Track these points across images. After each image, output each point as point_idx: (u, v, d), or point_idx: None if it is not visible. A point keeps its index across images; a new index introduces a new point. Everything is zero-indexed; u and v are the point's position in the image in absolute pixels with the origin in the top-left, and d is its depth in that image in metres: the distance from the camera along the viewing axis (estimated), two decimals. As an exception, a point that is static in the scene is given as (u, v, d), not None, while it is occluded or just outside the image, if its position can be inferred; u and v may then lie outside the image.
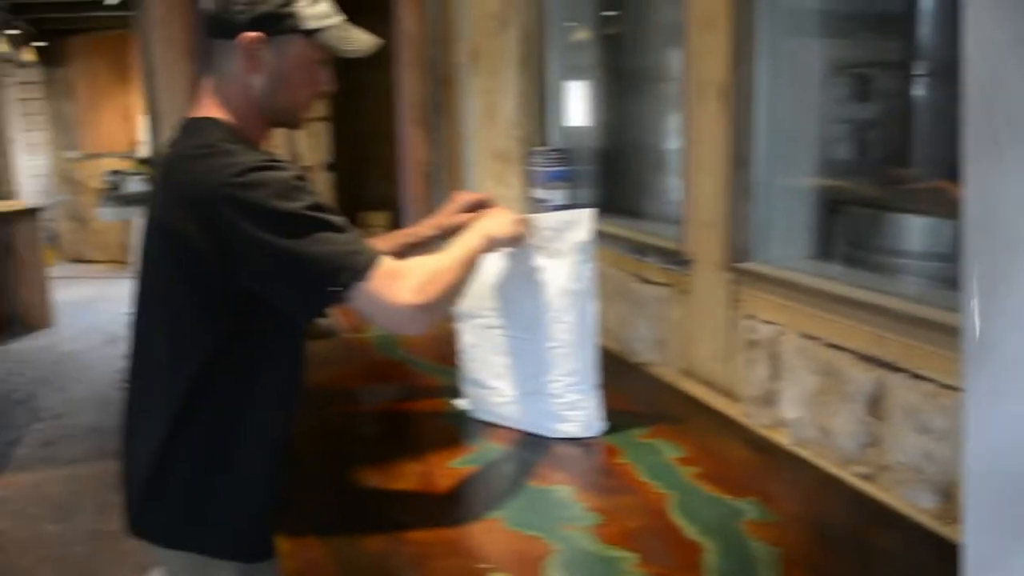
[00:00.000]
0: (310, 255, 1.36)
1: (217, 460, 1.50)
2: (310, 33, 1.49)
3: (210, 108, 1.51)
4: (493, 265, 1.82)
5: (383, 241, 1.83)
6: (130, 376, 1.60)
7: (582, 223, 1.76)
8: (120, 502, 1.57)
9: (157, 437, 1.48)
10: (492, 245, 1.65)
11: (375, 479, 1.64)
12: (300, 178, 1.42)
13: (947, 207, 1.66)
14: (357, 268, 1.37)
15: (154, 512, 1.53)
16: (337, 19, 1.53)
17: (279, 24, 1.46)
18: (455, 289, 1.50)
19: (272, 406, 1.54)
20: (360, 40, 1.56)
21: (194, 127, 1.51)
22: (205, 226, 1.37)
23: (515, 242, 1.73)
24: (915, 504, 1.46)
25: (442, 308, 1.48)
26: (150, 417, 1.51)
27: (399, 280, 1.39)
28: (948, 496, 1.41)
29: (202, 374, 1.46)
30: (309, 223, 1.37)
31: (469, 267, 1.55)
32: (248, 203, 1.35)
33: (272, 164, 1.41)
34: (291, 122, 1.59)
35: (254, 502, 1.52)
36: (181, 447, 1.48)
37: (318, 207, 1.39)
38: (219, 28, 1.48)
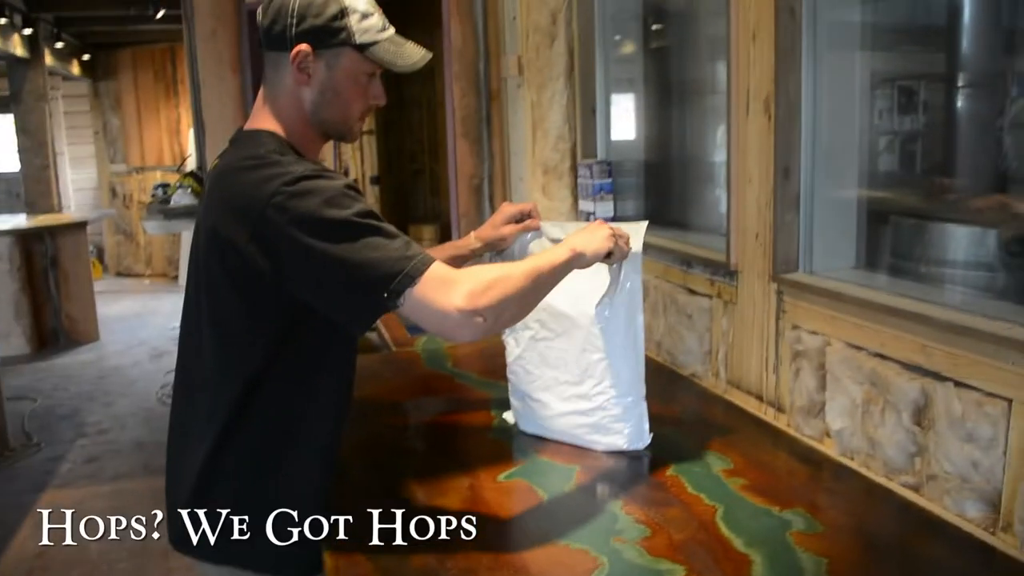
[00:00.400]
0: (361, 260, 1.35)
1: (264, 473, 1.51)
2: (361, 47, 1.50)
3: (263, 120, 1.55)
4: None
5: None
6: (177, 388, 1.62)
7: (635, 236, 1.73)
8: (165, 516, 1.59)
9: (204, 449, 1.50)
10: (579, 260, 1.58)
11: (422, 493, 1.66)
12: (350, 187, 1.43)
13: (1004, 220, 1.66)
14: (409, 273, 1.35)
15: (199, 526, 1.52)
16: (388, 32, 1.54)
17: (330, 37, 1.48)
18: (516, 300, 1.44)
19: (320, 417, 1.55)
20: (411, 54, 1.56)
21: (245, 139, 1.54)
22: (256, 236, 1.38)
23: (608, 258, 1.65)
24: (962, 514, 1.46)
25: (499, 318, 1.41)
26: (197, 429, 1.53)
27: (451, 286, 1.37)
28: (995, 505, 1.40)
29: (250, 385, 1.48)
30: (360, 229, 1.37)
31: (540, 280, 1.49)
32: (298, 211, 1.36)
33: (322, 173, 1.43)
34: (343, 135, 1.60)
35: (301, 516, 1.52)
36: (228, 459, 1.50)
37: (368, 214, 1.39)
38: (272, 41, 1.51)
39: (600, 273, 1.74)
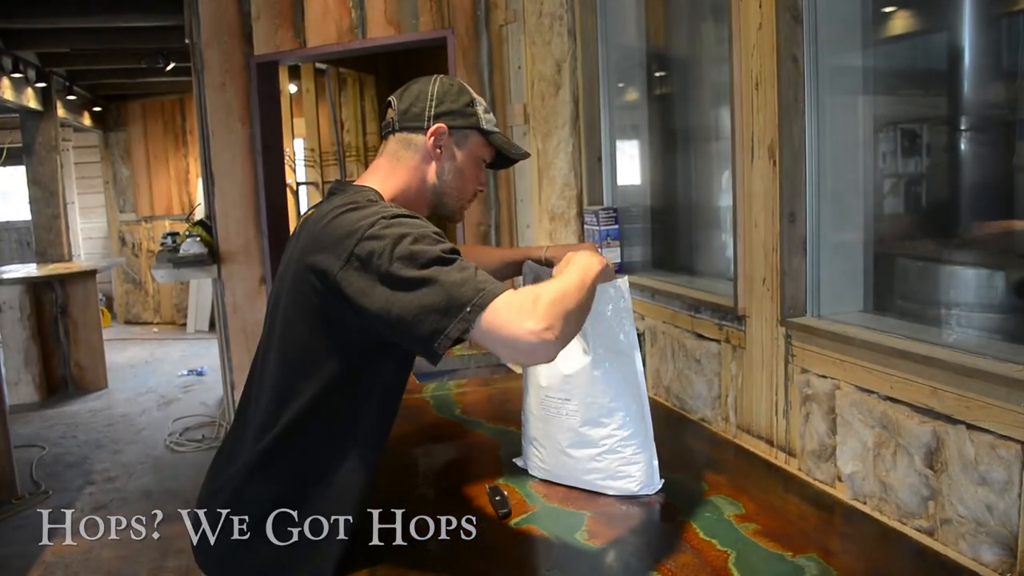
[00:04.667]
0: (441, 286, 1.39)
1: (296, 501, 1.54)
2: (486, 132, 1.76)
3: (370, 182, 1.70)
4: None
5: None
6: (235, 415, 1.70)
7: (619, 290, 1.78)
8: (190, 542, 1.63)
9: (245, 467, 1.56)
10: (607, 270, 1.65)
11: (430, 539, 1.65)
12: (438, 233, 1.49)
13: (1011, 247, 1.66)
14: (483, 300, 1.37)
15: (223, 549, 1.57)
16: (499, 130, 1.80)
17: (463, 120, 1.73)
18: (577, 313, 1.46)
19: (357, 449, 1.58)
20: (519, 148, 1.84)
21: (348, 189, 1.66)
22: (350, 260, 1.44)
23: (606, 277, 1.68)
24: (978, 558, 1.45)
25: (565, 333, 1.41)
26: (239, 452, 1.59)
27: (524, 312, 1.37)
28: (1011, 549, 1.39)
29: (299, 418, 1.53)
30: (440, 262, 1.41)
31: (590, 290, 1.53)
32: (392, 238, 1.42)
33: (412, 215, 1.52)
34: (453, 212, 1.80)
35: (328, 550, 1.53)
36: (264, 483, 1.55)
37: (453, 251, 1.46)
38: (409, 120, 1.73)
39: (597, 323, 1.78)
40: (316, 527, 1.53)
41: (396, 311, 1.41)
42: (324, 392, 1.53)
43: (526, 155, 1.85)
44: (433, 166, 1.73)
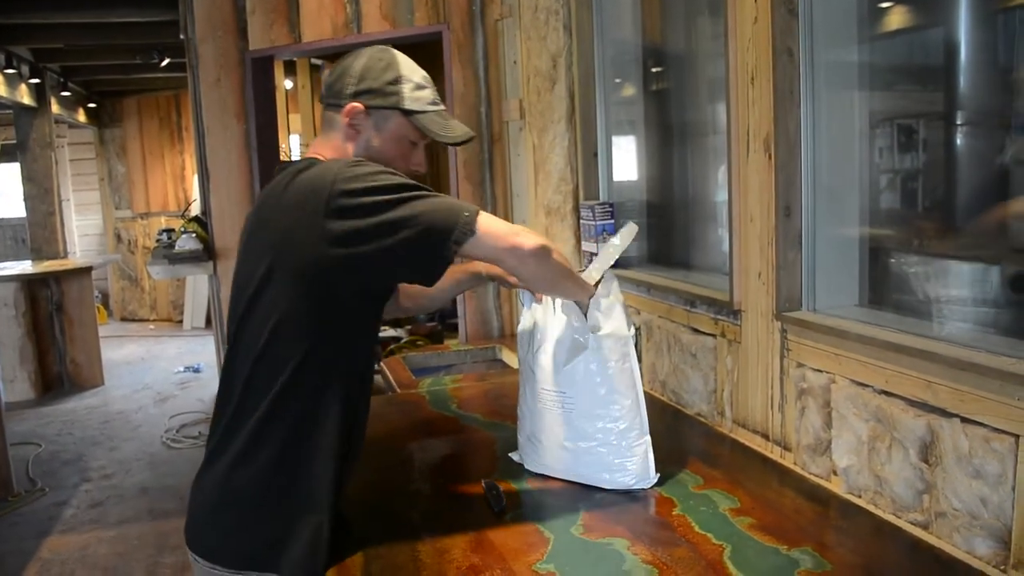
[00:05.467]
0: (431, 206, 1.48)
1: (282, 480, 1.55)
2: (408, 113, 1.67)
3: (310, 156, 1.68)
4: (541, 326, 1.87)
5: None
6: (216, 401, 1.68)
7: (610, 286, 1.81)
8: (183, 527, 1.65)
9: (233, 452, 1.56)
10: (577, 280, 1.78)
11: (427, 534, 1.65)
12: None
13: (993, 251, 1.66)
14: (471, 210, 1.51)
15: (212, 527, 1.59)
16: (438, 108, 1.71)
17: (382, 99, 1.65)
18: (560, 256, 1.67)
19: (338, 422, 1.58)
20: (455, 128, 1.73)
21: (293, 162, 1.67)
22: (329, 211, 1.46)
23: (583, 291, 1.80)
24: (972, 551, 1.45)
25: (551, 259, 1.63)
26: (229, 436, 1.58)
27: (512, 225, 1.59)
28: (1005, 542, 1.40)
29: (278, 396, 1.53)
30: (419, 187, 1.51)
31: (569, 276, 1.73)
32: (366, 175, 1.48)
33: (364, 162, 1.56)
34: None
35: (313, 528, 1.54)
36: (250, 465, 1.55)
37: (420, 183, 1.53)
38: (331, 96, 1.68)
39: (594, 319, 1.79)
40: (300, 512, 1.54)
41: (395, 232, 1.46)
42: (301, 369, 1.53)
43: (462, 139, 1.73)
44: (351, 146, 1.67)
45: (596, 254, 2.83)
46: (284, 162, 1.68)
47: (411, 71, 1.69)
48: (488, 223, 1.52)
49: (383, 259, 1.49)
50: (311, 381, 1.55)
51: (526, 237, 1.57)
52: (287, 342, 1.53)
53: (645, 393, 1.85)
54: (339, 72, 1.67)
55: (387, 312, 1.84)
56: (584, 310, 1.78)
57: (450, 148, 3.98)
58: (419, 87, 1.68)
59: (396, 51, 1.70)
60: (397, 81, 1.66)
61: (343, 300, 1.55)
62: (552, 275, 1.68)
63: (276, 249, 1.53)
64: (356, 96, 1.65)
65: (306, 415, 1.55)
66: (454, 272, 1.99)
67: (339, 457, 1.59)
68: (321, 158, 1.64)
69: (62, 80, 9.31)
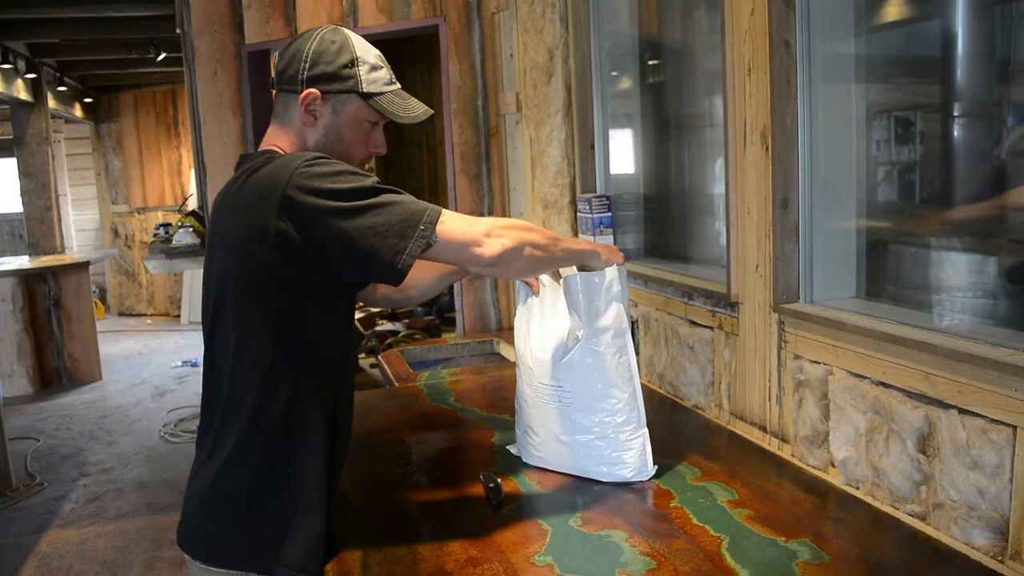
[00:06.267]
0: (386, 218, 1.44)
1: (273, 479, 1.54)
2: (366, 95, 1.61)
3: (266, 147, 1.64)
4: (537, 318, 1.86)
5: (428, 269, 1.89)
6: (202, 403, 1.67)
7: (612, 278, 1.78)
8: (176, 531, 1.65)
9: (223, 454, 1.54)
10: (594, 257, 1.74)
11: (425, 528, 1.66)
12: (357, 172, 1.51)
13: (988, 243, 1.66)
14: (433, 210, 1.48)
15: (206, 528, 1.59)
16: (395, 87, 1.66)
17: (338, 83, 1.60)
18: (532, 246, 1.57)
19: (321, 420, 1.58)
20: (414, 107, 1.67)
21: (252, 155, 1.61)
22: (285, 210, 1.43)
23: (607, 262, 1.76)
24: (970, 542, 1.45)
25: (516, 252, 1.54)
26: (218, 438, 1.57)
27: (473, 221, 1.52)
28: (1003, 533, 1.40)
29: (260, 398, 1.52)
30: (379, 189, 1.47)
31: (557, 247, 1.64)
32: (324, 175, 1.44)
33: (326, 157, 1.51)
34: None
35: (307, 527, 1.54)
36: (241, 467, 1.54)
37: (379, 182, 1.49)
38: (284, 83, 1.62)
39: (591, 312, 1.79)
40: (293, 512, 1.54)
41: (349, 242, 1.43)
42: (277, 363, 1.52)
43: (421, 118, 1.68)
44: (310, 131, 1.62)
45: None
46: (244, 155, 1.64)
47: (365, 52, 1.63)
48: (449, 231, 1.48)
49: (337, 269, 1.49)
50: (287, 383, 1.53)
51: (487, 244, 1.51)
52: (256, 346, 1.52)
53: (643, 386, 1.85)
54: (290, 56, 1.61)
55: (373, 304, 1.83)
56: (601, 267, 1.76)
57: (447, 141, 3.98)
58: (374, 68, 1.63)
59: (348, 31, 1.64)
60: (352, 64, 1.60)
61: (302, 305, 1.53)
62: (530, 267, 1.63)
63: (232, 251, 1.52)
64: (311, 82, 1.59)
65: (288, 415, 1.54)
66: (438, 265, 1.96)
67: (327, 454, 1.58)
68: (279, 150, 1.61)
69: (58, 75, 9.30)
